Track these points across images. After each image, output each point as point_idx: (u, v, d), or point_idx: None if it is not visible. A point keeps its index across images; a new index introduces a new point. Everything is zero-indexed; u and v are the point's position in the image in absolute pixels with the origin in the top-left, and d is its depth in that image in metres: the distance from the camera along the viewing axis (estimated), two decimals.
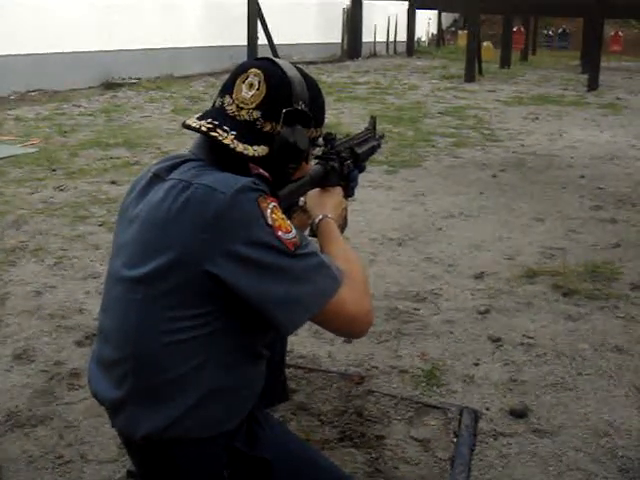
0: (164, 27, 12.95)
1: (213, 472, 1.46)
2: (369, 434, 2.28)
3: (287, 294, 1.36)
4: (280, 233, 1.36)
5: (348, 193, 1.84)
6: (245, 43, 12.49)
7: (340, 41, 18.39)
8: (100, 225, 4.39)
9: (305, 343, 2.88)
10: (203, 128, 1.46)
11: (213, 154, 1.47)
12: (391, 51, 20.90)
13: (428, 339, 2.98)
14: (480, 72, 14.44)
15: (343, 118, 8.60)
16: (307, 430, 2.28)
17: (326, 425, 2.33)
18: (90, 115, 8.76)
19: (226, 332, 1.41)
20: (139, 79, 12.06)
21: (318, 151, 1.76)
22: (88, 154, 6.48)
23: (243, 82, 1.49)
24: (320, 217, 1.64)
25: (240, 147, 1.45)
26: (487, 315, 3.21)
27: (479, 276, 3.68)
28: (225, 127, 1.46)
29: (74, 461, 2.14)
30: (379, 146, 2.07)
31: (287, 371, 2.50)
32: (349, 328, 1.50)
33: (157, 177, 1.49)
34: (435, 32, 23.96)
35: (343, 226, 1.76)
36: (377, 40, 20.04)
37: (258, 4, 12.52)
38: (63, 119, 8.43)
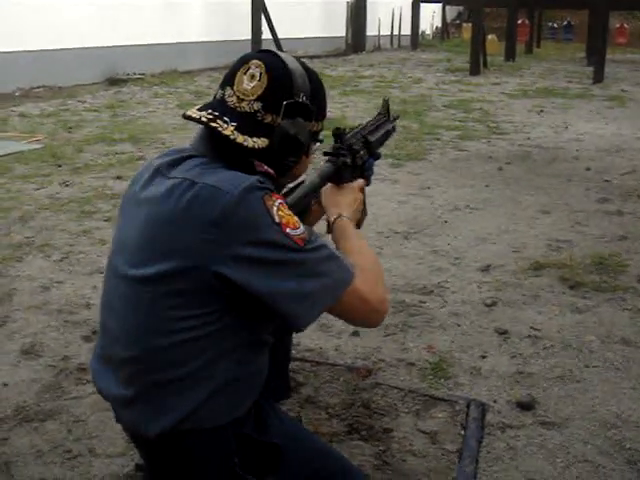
0: (168, 22, 12.94)
1: (224, 459, 1.46)
2: (377, 427, 2.28)
3: (300, 289, 1.36)
4: (288, 230, 1.36)
5: (366, 183, 1.83)
6: (249, 38, 12.49)
7: (344, 35, 18.33)
8: (106, 220, 4.39)
9: (312, 336, 2.88)
10: (203, 119, 1.45)
11: (215, 149, 1.46)
12: (395, 44, 20.83)
13: (435, 332, 2.98)
14: (485, 65, 14.39)
15: (348, 112, 8.57)
16: (315, 423, 2.29)
17: (334, 418, 2.33)
18: (95, 111, 8.77)
19: (234, 326, 1.41)
20: (143, 74, 12.06)
21: (329, 148, 1.75)
22: (93, 149, 6.49)
23: (244, 73, 1.47)
24: (335, 216, 1.65)
25: (240, 138, 1.43)
26: (494, 307, 3.21)
27: (485, 269, 3.68)
28: (225, 118, 1.45)
29: (83, 455, 2.14)
30: (394, 129, 2.04)
31: (294, 364, 2.51)
32: (364, 317, 1.50)
33: (159, 172, 1.48)
34: (439, 25, 23.89)
35: (362, 219, 1.77)
36: (381, 34, 20.01)
37: None
38: (68, 115, 8.44)
